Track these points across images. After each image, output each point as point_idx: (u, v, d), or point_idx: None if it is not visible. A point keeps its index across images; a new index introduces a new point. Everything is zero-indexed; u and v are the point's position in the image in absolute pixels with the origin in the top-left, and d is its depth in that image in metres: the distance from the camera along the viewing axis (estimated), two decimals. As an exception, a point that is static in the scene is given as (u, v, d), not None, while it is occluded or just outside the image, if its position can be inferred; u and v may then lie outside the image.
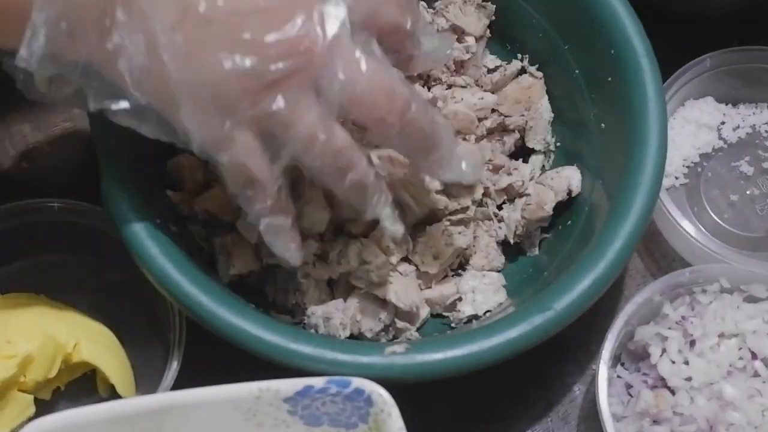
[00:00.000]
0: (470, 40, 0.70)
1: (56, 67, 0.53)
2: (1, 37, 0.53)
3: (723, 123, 0.75)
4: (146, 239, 0.59)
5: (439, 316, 0.66)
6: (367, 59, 0.54)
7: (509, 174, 0.68)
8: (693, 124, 0.74)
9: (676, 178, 0.73)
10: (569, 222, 0.67)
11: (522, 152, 0.71)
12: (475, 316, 0.65)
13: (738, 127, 0.75)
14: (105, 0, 0.51)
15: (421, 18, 0.59)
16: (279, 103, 0.53)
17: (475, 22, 0.70)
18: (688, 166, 0.74)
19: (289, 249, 0.58)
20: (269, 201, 0.56)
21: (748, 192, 0.74)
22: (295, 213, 0.58)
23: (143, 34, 0.52)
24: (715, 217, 0.73)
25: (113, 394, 0.63)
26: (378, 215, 0.58)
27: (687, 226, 0.69)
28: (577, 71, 0.68)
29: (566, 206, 0.67)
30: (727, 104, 0.76)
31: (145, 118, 0.55)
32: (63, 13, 0.51)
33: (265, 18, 0.52)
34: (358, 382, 0.55)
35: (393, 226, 0.59)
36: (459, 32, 0.70)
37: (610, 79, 0.65)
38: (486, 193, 0.67)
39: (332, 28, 0.53)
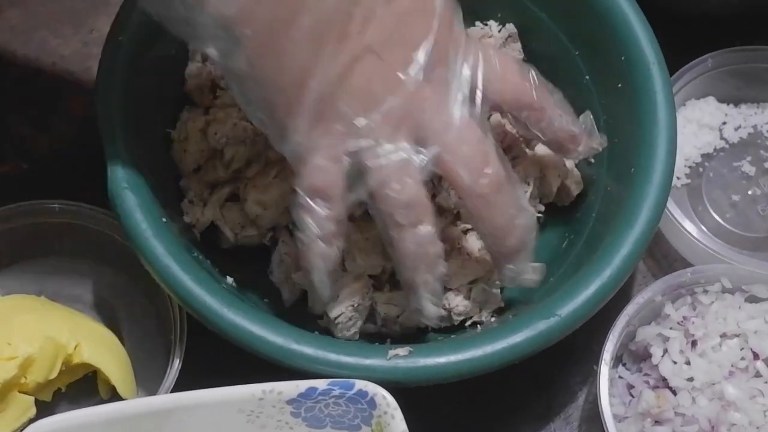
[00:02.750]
0: None
1: None
2: None
3: (725, 123, 0.75)
4: (151, 238, 0.59)
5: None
6: (472, 124, 0.57)
7: None
8: (694, 124, 0.74)
9: (678, 178, 0.73)
10: (577, 229, 0.67)
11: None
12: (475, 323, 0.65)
13: (740, 127, 0.75)
14: None
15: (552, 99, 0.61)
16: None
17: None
18: (689, 167, 0.74)
19: (324, 282, 0.59)
20: (331, 223, 0.57)
21: (749, 192, 0.74)
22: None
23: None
24: (717, 218, 0.73)
25: (114, 396, 0.63)
26: (418, 294, 0.59)
27: (688, 226, 0.69)
28: (587, 77, 0.68)
29: (574, 212, 0.68)
30: (728, 104, 0.75)
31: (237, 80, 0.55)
32: None
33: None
34: (361, 384, 0.55)
35: (428, 310, 0.60)
36: None
37: (620, 85, 0.65)
38: None
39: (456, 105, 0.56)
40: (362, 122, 0.55)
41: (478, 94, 0.57)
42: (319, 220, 0.56)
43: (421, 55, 0.55)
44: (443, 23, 0.56)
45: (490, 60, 0.58)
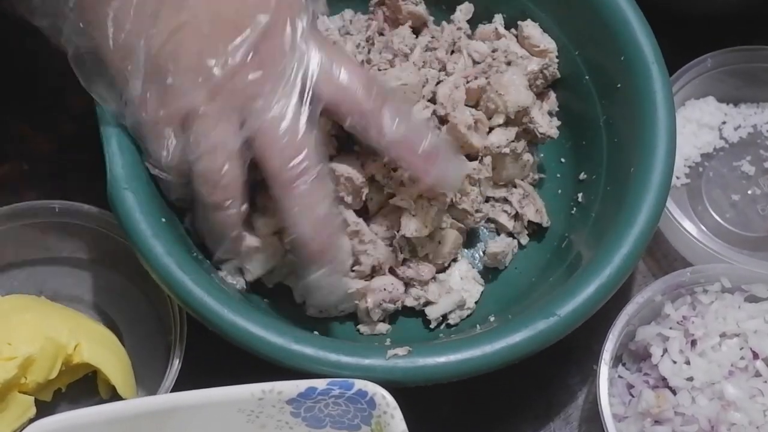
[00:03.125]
0: None
1: None
2: None
3: (724, 123, 0.75)
4: (151, 238, 0.59)
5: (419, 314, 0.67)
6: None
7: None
8: (694, 124, 0.74)
9: (678, 178, 0.73)
10: (576, 228, 0.67)
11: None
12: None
13: (739, 126, 0.75)
14: None
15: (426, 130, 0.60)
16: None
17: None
18: (689, 166, 0.74)
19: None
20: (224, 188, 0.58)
21: (749, 192, 0.74)
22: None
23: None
24: (717, 217, 0.73)
25: (114, 396, 0.63)
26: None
27: (688, 226, 0.69)
28: (587, 77, 0.68)
29: (573, 212, 0.68)
30: (728, 104, 0.75)
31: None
32: None
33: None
34: (360, 384, 0.55)
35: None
36: None
37: (620, 85, 0.65)
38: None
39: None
40: (190, 99, 0.56)
41: (308, 92, 0.57)
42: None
43: (250, 34, 0.55)
44: (281, 9, 0.56)
45: (325, 56, 0.57)
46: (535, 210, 0.68)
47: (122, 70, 0.57)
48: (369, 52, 0.68)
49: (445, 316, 0.66)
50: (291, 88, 0.56)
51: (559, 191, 0.70)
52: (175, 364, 0.62)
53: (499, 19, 0.72)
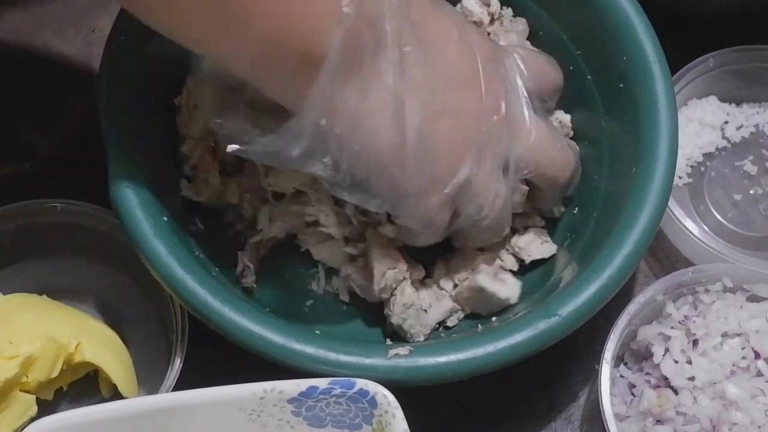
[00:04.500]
0: None
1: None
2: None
3: (726, 122, 0.75)
4: (152, 237, 0.59)
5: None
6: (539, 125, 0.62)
7: None
8: (696, 124, 0.74)
9: (680, 177, 0.73)
10: (578, 228, 0.67)
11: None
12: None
13: (741, 126, 0.75)
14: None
15: None
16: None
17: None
18: (691, 166, 0.74)
19: None
20: None
21: (751, 191, 0.74)
22: None
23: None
24: (719, 217, 0.73)
25: (116, 395, 0.63)
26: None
27: (690, 225, 0.69)
28: (588, 77, 0.68)
29: (575, 212, 0.68)
30: (730, 103, 0.75)
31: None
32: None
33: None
34: (362, 383, 0.55)
35: None
36: None
37: (621, 85, 0.65)
38: None
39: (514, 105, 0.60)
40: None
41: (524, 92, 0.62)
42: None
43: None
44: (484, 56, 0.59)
45: (526, 61, 0.63)
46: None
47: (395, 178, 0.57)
48: None
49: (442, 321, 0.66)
50: (524, 100, 0.62)
51: (560, 191, 0.70)
52: (177, 363, 0.62)
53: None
